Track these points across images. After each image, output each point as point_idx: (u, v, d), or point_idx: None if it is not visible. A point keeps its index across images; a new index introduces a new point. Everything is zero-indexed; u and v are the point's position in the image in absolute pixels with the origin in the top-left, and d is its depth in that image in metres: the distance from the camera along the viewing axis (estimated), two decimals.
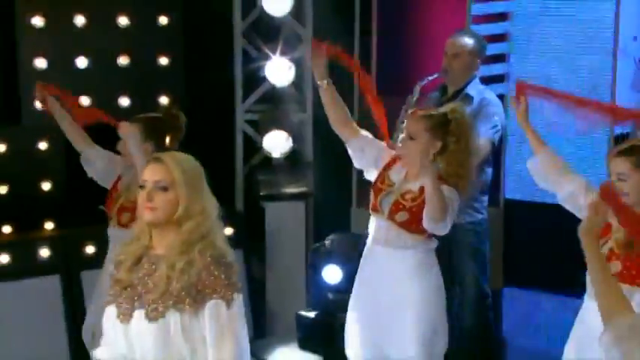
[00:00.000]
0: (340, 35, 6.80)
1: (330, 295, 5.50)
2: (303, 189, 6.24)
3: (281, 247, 6.22)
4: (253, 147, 6.48)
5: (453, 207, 4.11)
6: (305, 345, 5.41)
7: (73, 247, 5.58)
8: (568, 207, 3.99)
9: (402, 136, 4.34)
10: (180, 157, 3.06)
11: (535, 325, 6.26)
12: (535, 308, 6.38)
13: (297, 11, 6.46)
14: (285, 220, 6.21)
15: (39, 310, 5.36)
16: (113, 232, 4.65)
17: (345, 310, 4.85)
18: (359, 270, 4.37)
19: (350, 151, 4.47)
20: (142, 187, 3.00)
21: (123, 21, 6.09)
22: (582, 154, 6.18)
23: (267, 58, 6.24)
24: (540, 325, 6.19)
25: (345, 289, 5.46)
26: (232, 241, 4.16)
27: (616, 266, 3.73)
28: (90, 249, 5.58)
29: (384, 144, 4.48)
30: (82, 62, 5.93)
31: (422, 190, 4.18)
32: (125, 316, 2.96)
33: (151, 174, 3.00)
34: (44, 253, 5.43)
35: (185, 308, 2.90)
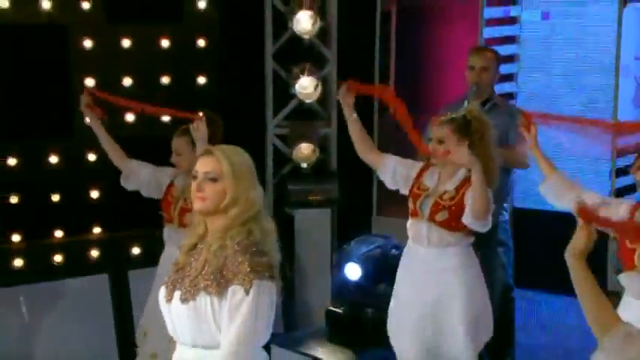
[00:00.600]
0: (361, 56, 6.96)
1: (353, 291, 5.51)
2: (329, 197, 6.25)
3: (308, 249, 6.21)
4: (283, 158, 6.52)
5: (492, 204, 4.12)
6: (334, 338, 5.41)
7: (120, 249, 5.59)
8: None
9: (431, 144, 4.33)
10: (230, 151, 3.02)
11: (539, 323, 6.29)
12: (539, 307, 6.43)
13: (323, 34, 6.51)
14: (313, 225, 6.19)
15: (89, 306, 5.35)
16: (171, 233, 4.62)
17: (370, 306, 4.92)
18: (400, 270, 4.36)
19: (382, 177, 4.50)
20: (194, 177, 2.98)
21: (165, 44, 6.12)
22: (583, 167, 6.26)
23: (296, 77, 6.27)
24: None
25: (365, 285, 5.54)
26: None
27: None
28: (136, 250, 5.58)
29: (409, 160, 4.51)
30: (127, 81, 5.98)
31: (458, 189, 4.20)
32: (168, 297, 2.96)
33: (201, 166, 2.97)
34: (94, 253, 5.43)
35: (213, 292, 2.85)
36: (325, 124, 6.65)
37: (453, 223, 4.20)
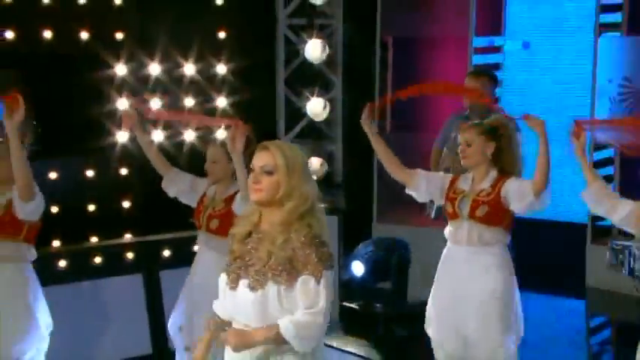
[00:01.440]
0: (363, 81, 7.00)
1: (358, 287, 5.52)
2: (336, 206, 6.22)
3: None
4: None
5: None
6: (349, 330, 5.39)
7: (152, 251, 5.55)
8: (624, 227, 3.92)
9: (460, 147, 4.22)
10: (284, 146, 2.96)
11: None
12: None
13: (329, 61, 6.58)
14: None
15: (125, 303, 5.33)
16: (202, 237, 4.52)
17: (379, 301, 4.92)
18: (439, 270, 4.26)
19: (412, 192, 4.39)
20: (251, 170, 2.93)
21: (188, 70, 6.16)
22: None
23: (306, 99, 6.34)
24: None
25: (368, 280, 5.58)
26: None
27: None
28: (167, 252, 5.55)
29: (438, 173, 4.47)
30: (155, 104, 5.96)
31: (493, 186, 4.11)
32: (233, 284, 2.90)
33: (258, 160, 2.91)
34: (129, 255, 5.40)
35: (281, 281, 2.83)
36: (332, 141, 6.70)
37: (493, 217, 4.10)
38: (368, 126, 4.31)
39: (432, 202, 5.02)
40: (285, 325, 2.79)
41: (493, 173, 4.14)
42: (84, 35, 5.81)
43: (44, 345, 4.09)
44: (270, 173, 2.87)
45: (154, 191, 5.65)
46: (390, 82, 7.21)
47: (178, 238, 5.63)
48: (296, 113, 6.50)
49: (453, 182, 4.27)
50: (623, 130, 4.12)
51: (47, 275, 4.62)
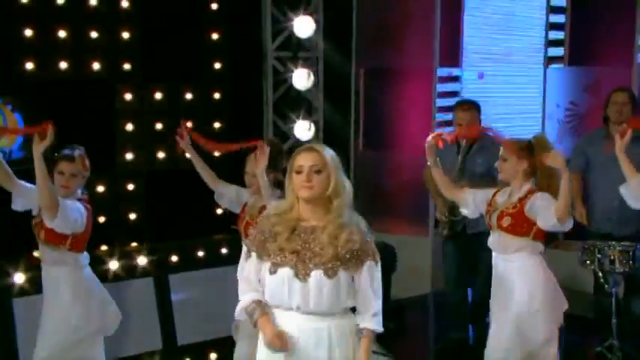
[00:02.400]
0: (340, 107, 6.99)
1: None
2: None
3: None
4: (282, 185, 6.53)
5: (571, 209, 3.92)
6: None
7: (162, 257, 5.53)
8: None
9: (498, 162, 4.12)
10: (326, 147, 2.98)
11: None
12: None
13: (312, 88, 6.62)
14: None
15: (138, 303, 5.29)
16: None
17: None
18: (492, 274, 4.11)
19: (463, 209, 4.31)
20: (298, 172, 2.88)
21: (188, 96, 6.22)
22: None
23: (293, 122, 6.38)
24: None
25: None
26: None
27: None
28: (174, 258, 5.54)
29: (484, 190, 4.28)
30: (159, 125, 6.03)
31: (520, 199, 4.01)
32: (303, 275, 2.86)
33: (306, 160, 2.89)
34: (142, 261, 5.37)
35: (350, 269, 2.86)
36: None
37: (517, 227, 3.99)
38: (430, 154, 4.18)
39: (445, 221, 5.10)
40: (373, 327, 2.95)
41: (525, 188, 4.02)
42: (96, 66, 5.83)
43: (99, 339, 4.06)
44: (319, 172, 2.87)
45: (156, 206, 5.76)
46: (362, 108, 7.23)
47: (184, 245, 5.65)
48: (284, 135, 6.51)
49: (494, 195, 4.18)
50: None
51: None
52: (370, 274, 2.91)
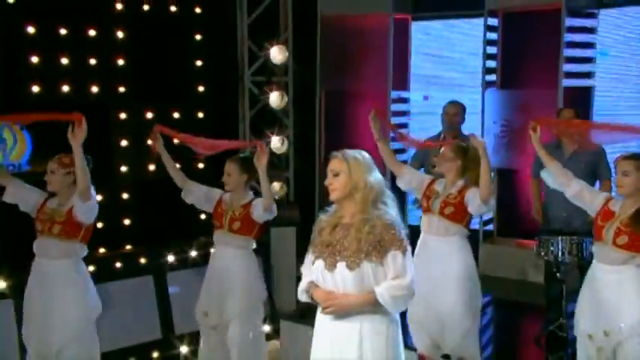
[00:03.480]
0: (306, 125, 7.07)
1: None
2: (293, 219, 6.19)
3: (280, 254, 6.15)
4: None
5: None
6: (303, 316, 5.31)
7: (160, 257, 5.53)
8: (576, 203, 3.78)
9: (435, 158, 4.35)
10: (348, 152, 2.96)
11: None
12: None
13: (284, 107, 6.67)
14: (284, 238, 6.13)
15: (139, 298, 5.30)
16: (219, 237, 4.38)
17: None
18: (415, 256, 3.96)
19: (399, 182, 4.37)
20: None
21: (176, 115, 6.18)
22: None
23: (268, 137, 6.40)
24: None
25: None
26: (254, 251, 4.48)
27: (623, 239, 3.48)
28: (171, 257, 5.56)
29: (421, 175, 4.46)
30: (150, 142, 5.86)
31: (459, 192, 4.18)
32: (331, 266, 2.86)
33: (329, 166, 2.95)
34: (142, 261, 5.39)
35: (373, 259, 2.82)
36: (287, 169, 6.75)
37: (456, 215, 4.18)
38: (375, 129, 4.24)
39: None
40: (381, 292, 2.80)
41: (460, 183, 4.24)
42: (94, 89, 5.84)
43: (92, 323, 4.05)
44: (337, 174, 2.91)
45: (148, 213, 5.70)
46: (322, 125, 7.30)
47: (179, 246, 5.66)
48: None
49: (431, 183, 4.33)
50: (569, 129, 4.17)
51: None
52: (395, 263, 2.83)
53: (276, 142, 6.42)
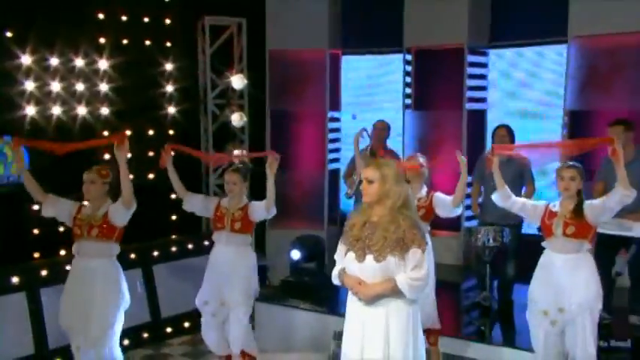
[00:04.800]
0: (258, 140, 7.06)
1: (296, 266, 5.45)
2: None
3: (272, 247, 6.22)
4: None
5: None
6: (292, 295, 5.34)
7: (148, 252, 5.44)
8: (521, 214, 3.81)
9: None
10: (381, 162, 2.98)
11: None
12: None
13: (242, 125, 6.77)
14: (278, 236, 6.17)
15: (131, 287, 4.75)
16: (221, 236, 4.31)
17: (307, 276, 5.05)
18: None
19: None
20: (361, 182, 2.95)
21: (150, 133, 6.33)
22: None
23: (230, 153, 6.46)
24: None
25: (299, 262, 5.49)
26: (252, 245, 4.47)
27: (571, 229, 3.52)
28: (155, 253, 5.48)
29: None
30: (129, 155, 5.81)
31: (428, 196, 4.09)
32: (360, 258, 2.87)
33: (365, 174, 2.94)
34: (132, 256, 5.26)
35: (397, 254, 2.83)
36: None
37: (428, 216, 4.09)
38: (356, 147, 4.44)
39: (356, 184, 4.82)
40: (401, 281, 2.83)
41: (424, 189, 4.17)
42: (81, 110, 5.83)
43: (122, 314, 4.05)
44: (371, 182, 2.91)
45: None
46: (269, 141, 7.29)
47: (164, 243, 5.64)
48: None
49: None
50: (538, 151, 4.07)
51: (57, 275, 4.52)
52: (414, 257, 2.84)
53: (238, 153, 6.55)
